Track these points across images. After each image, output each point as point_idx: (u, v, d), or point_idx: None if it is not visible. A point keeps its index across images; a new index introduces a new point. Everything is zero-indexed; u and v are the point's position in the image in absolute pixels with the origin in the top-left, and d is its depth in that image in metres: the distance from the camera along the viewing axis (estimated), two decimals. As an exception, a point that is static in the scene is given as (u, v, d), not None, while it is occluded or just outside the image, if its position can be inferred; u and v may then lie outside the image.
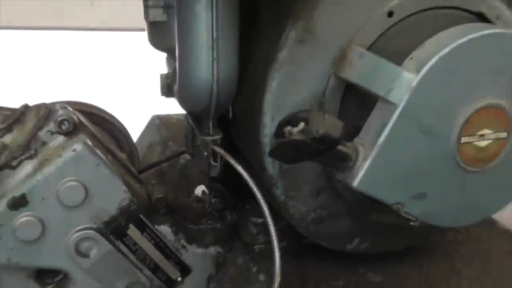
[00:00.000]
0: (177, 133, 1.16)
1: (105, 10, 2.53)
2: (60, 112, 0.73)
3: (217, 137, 0.62)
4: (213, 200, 0.89)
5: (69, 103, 0.91)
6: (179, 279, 0.80)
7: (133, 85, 2.61)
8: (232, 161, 0.62)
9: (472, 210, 0.67)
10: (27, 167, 0.71)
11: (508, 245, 0.85)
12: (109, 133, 0.92)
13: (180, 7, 0.56)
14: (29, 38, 3.08)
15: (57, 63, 2.88)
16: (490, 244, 0.84)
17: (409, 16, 0.66)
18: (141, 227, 0.76)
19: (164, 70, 0.74)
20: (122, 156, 0.86)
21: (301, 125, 0.55)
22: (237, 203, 0.85)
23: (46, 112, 0.74)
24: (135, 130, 1.17)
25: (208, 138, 0.62)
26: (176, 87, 0.62)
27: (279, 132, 0.59)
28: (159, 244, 0.78)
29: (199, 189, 0.94)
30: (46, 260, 0.74)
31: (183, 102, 0.64)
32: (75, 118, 0.74)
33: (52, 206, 0.71)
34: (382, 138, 0.59)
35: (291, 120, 0.57)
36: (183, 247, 0.80)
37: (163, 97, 0.77)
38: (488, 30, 0.59)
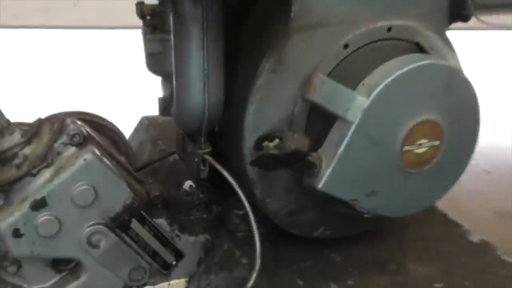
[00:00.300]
0: (164, 132, 1.19)
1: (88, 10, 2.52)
2: (71, 126, 0.78)
3: (208, 150, 0.71)
4: (200, 195, 0.94)
5: (73, 113, 0.97)
6: (174, 263, 0.86)
7: (117, 79, 2.60)
8: (220, 168, 0.71)
9: (413, 203, 0.76)
10: (45, 174, 0.76)
11: (444, 227, 0.94)
12: (108, 138, 0.94)
13: (176, 47, 0.64)
14: (15, 36, 3.03)
15: (45, 60, 2.85)
16: (431, 227, 0.92)
17: (361, 47, 0.73)
18: (142, 221, 0.82)
19: (158, 88, 0.81)
20: (122, 159, 0.91)
21: (276, 141, 0.65)
22: (222, 198, 0.91)
23: (59, 126, 0.80)
24: (124, 125, 1.21)
25: (200, 151, 0.70)
26: (173, 110, 0.70)
27: (258, 146, 0.68)
28: (157, 234, 0.84)
29: (188, 184, 1.00)
30: (62, 251, 0.79)
31: (179, 122, 0.71)
32: (84, 131, 0.80)
33: (67, 206, 0.76)
34: (340, 149, 0.67)
35: (268, 136, 0.67)
36: (177, 236, 0.86)
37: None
38: (423, 62, 0.68)
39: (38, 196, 0.75)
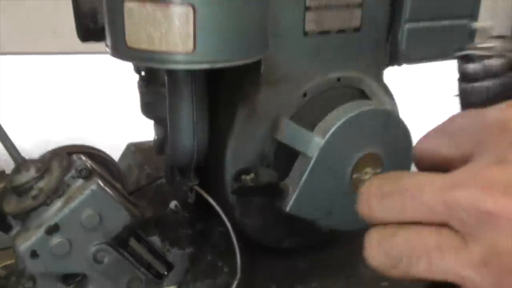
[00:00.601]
0: (149, 157, 1.26)
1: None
2: (78, 162, 0.88)
3: (196, 182, 0.81)
4: (186, 214, 1.04)
5: (75, 146, 1.06)
6: (165, 273, 0.94)
7: (95, 102, 2.65)
8: (206, 196, 0.82)
9: (363, 219, 0.89)
10: (58, 203, 0.83)
11: None
12: (105, 168, 1.02)
13: (170, 102, 0.74)
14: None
15: (25, 86, 2.87)
16: None
17: (316, 95, 0.84)
18: (138, 239, 0.90)
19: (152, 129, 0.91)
20: (118, 186, 1.01)
21: (252, 175, 0.76)
22: (205, 216, 1.01)
23: (67, 162, 0.89)
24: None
25: (190, 184, 0.81)
26: (166, 150, 0.81)
27: (237, 178, 0.79)
28: (151, 249, 0.91)
29: (173, 204, 1.09)
30: (72, 268, 0.86)
31: (172, 160, 0.82)
32: (89, 165, 0.90)
33: (76, 230, 0.83)
34: (303, 179, 0.77)
35: (245, 171, 0.78)
36: (168, 250, 0.93)
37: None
38: (365, 108, 0.79)
39: (52, 222, 0.82)
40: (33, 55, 2.78)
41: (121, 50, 0.63)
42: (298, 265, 0.95)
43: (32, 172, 0.87)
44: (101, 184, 0.88)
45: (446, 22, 0.91)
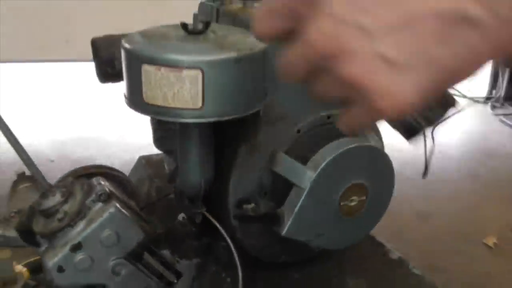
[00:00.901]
0: (159, 170, 1.33)
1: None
2: (98, 188, 0.94)
3: (204, 209, 0.89)
4: (193, 229, 1.10)
5: (91, 167, 1.12)
6: (175, 281, 0.99)
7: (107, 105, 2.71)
8: (212, 219, 0.89)
9: (349, 239, 0.96)
10: (81, 225, 0.89)
11: (372, 247, 1.11)
12: (120, 186, 1.08)
13: (181, 142, 0.81)
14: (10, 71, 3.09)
15: (39, 93, 2.93)
16: (362, 248, 1.09)
17: (309, 131, 0.91)
18: (151, 252, 0.96)
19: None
20: (132, 203, 1.08)
21: (252, 204, 0.84)
22: (209, 230, 1.07)
23: (88, 186, 0.96)
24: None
25: (198, 211, 0.89)
26: (178, 180, 0.88)
27: (238, 205, 0.87)
28: (162, 261, 0.98)
29: (181, 216, 1.15)
30: (94, 279, 0.92)
31: (182, 190, 0.89)
32: (107, 190, 0.96)
33: (97, 247, 0.89)
34: (297, 208, 0.85)
35: (246, 200, 0.85)
36: (177, 261, 1.01)
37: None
38: (352, 145, 0.86)
39: (76, 241, 0.88)
40: (47, 63, 2.83)
41: (138, 104, 0.70)
42: (293, 276, 1.03)
43: (57, 197, 0.94)
44: (118, 207, 0.94)
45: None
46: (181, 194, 0.90)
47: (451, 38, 0.35)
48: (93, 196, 0.95)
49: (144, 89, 0.68)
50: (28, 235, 1.02)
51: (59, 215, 0.92)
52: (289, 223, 0.86)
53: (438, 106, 0.87)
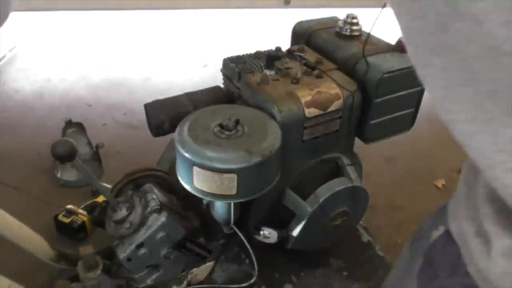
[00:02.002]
0: None
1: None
2: (153, 203, 1.10)
3: (232, 231, 1.06)
4: None
5: (142, 170, 1.26)
6: (207, 256, 1.20)
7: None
8: (240, 234, 1.05)
9: (333, 240, 1.15)
10: (142, 230, 1.07)
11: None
12: (163, 182, 1.21)
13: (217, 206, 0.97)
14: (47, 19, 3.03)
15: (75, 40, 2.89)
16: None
17: (307, 171, 1.03)
18: (191, 241, 1.15)
19: None
20: (174, 201, 1.23)
21: (266, 231, 1.02)
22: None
23: (145, 200, 1.12)
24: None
25: (228, 231, 1.06)
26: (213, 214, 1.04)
27: (256, 228, 1.05)
28: (199, 245, 1.18)
29: None
30: (152, 262, 1.12)
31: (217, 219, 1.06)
32: (159, 203, 1.12)
33: (154, 244, 1.08)
34: (298, 230, 1.03)
35: (262, 227, 1.04)
36: (208, 243, 1.22)
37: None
38: (340, 187, 0.99)
39: (139, 242, 1.07)
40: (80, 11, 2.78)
41: (190, 186, 0.85)
42: (289, 256, 1.21)
43: (123, 212, 1.11)
44: (168, 216, 1.11)
45: (397, 113, 1.08)
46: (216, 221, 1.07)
47: None
48: (149, 209, 1.11)
49: (194, 179, 0.83)
50: (100, 225, 1.21)
51: (126, 225, 1.11)
52: (292, 241, 1.04)
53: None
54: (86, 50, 2.96)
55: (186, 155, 0.80)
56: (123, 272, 1.17)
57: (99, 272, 1.11)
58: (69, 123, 2.20)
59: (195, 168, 0.80)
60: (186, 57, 2.92)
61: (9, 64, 2.76)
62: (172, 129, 0.98)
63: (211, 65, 2.81)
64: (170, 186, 1.27)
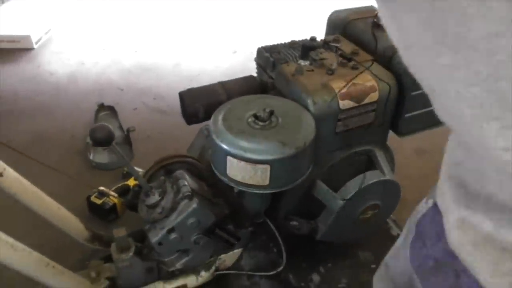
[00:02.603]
0: None
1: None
2: (184, 189, 1.12)
3: (262, 220, 1.07)
4: None
5: (172, 156, 1.27)
6: (236, 242, 1.21)
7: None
8: (270, 224, 1.07)
9: (363, 235, 1.15)
10: (173, 216, 1.08)
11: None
12: (193, 168, 1.22)
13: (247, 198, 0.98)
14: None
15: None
16: None
17: (339, 163, 1.04)
18: (220, 228, 1.16)
19: None
20: (205, 187, 1.23)
21: (296, 223, 1.02)
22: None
23: (177, 187, 1.13)
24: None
25: (259, 220, 1.08)
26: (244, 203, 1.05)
27: (286, 218, 1.06)
28: (227, 231, 1.19)
29: None
30: (182, 247, 1.15)
31: (247, 210, 1.06)
32: (190, 189, 1.14)
33: (184, 229, 1.09)
34: (328, 223, 1.04)
35: (292, 218, 1.04)
36: (237, 231, 1.22)
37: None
38: (372, 180, 0.99)
39: (170, 226, 1.09)
40: None
41: (224, 175, 0.86)
42: (318, 246, 1.22)
43: (156, 197, 1.13)
44: (199, 202, 1.12)
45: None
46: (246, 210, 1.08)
47: None
48: (181, 195, 1.13)
49: (228, 169, 0.84)
50: (132, 208, 1.23)
51: (158, 210, 1.13)
52: (321, 232, 1.05)
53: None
54: (119, 34, 3.00)
55: (221, 145, 0.81)
56: (153, 255, 1.20)
57: (131, 254, 1.14)
58: (101, 107, 2.25)
59: (229, 158, 0.81)
60: (216, 43, 2.92)
61: (44, 46, 2.83)
62: (206, 117, 0.99)
63: (240, 51, 2.80)
64: (201, 172, 1.28)
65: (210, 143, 0.91)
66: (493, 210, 0.30)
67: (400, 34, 0.27)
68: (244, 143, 0.80)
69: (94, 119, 2.20)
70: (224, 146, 0.81)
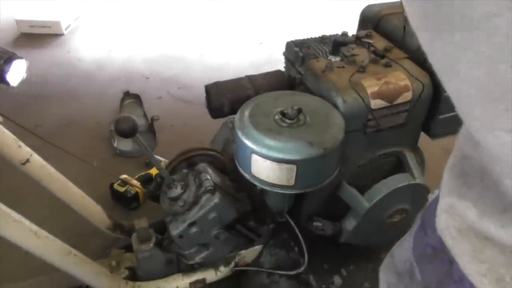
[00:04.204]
0: None
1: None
2: (207, 183, 1.09)
3: (285, 219, 1.04)
4: None
5: (194, 149, 1.24)
6: (256, 239, 1.19)
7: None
8: (293, 224, 1.03)
9: (389, 239, 1.11)
10: (195, 209, 1.07)
11: None
12: (216, 161, 1.20)
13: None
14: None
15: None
16: None
17: (366, 165, 0.99)
18: (241, 223, 1.14)
19: None
20: (228, 184, 1.20)
21: (319, 224, 0.99)
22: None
23: (199, 180, 1.11)
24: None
25: (281, 219, 1.05)
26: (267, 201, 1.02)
27: (309, 219, 1.02)
28: (248, 227, 1.17)
29: None
30: (202, 241, 1.13)
31: (270, 209, 1.03)
32: (212, 183, 1.11)
33: (206, 224, 1.07)
34: (353, 225, 0.99)
35: (316, 218, 1.01)
36: (258, 227, 1.20)
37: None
38: (401, 184, 0.94)
39: (192, 220, 1.07)
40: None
41: (248, 172, 0.83)
42: (343, 250, 1.18)
43: (178, 189, 1.12)
44: (221, 198, 1.10)
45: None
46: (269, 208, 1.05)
47: None
48: (203, 189, 1.11)
49: (252, 167, 0.81)
50: (154, 199, 1.22)
51: (180, 203, 1.11)
52: (346, 235, 1.01)
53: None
54: (145, 23, 2.99)
55: (246, 142, 0.78)
56: (173, 248, 1.19)
57: (151, 245, 1.13)
58: (127, 94, 2.25)
59: (254, 156, 0.78)
60: (242, 34, 2.89)
61: (73, 33, 2.84)
62: (231, 112, 0.96)
63: (266, 43, 2.76)
64: (223, 166, 1.26)
65: (234, 138, 0.88)
66: (482, 200, 0.32)
67: (415, 17, 0.27)
68: (270, 141, 0.77)
69: (119, 107, 2.20)
70: (249, 144, 0.78)
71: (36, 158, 1.01)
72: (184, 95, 2.32)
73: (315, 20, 2.97)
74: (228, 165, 1.26)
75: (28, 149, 1.00)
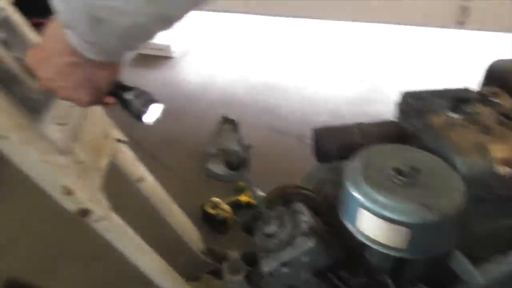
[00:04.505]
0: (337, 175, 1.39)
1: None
2: (303, 225, 1.06)
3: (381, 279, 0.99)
4: None
5: (290, 187, 1.24)
6: None
7: None
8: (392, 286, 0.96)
9: None
10: (288, 250, 1.05)
11: None
12: (309, 201, 1.17)
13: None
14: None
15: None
16: None
17: (484, 234, 0.92)
18: (333, 272, 1.09)
19: None
20: (322, 227, 1.16)
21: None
22: None
23: (295, 220, 1.09)
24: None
25: (379, 278, 1.00)
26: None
27: (412, 285, 0.95)
28: (340, 278, 1.10)
29: None
30: (291, 282, 1.10)
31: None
32: (308, 226, 1.09)
33: (297, 266, 1.05)
34: None
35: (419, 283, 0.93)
36: (350, 278, 1.14)
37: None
38: None
39: (283, 260, 1.06)
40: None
41: (352, 226, 0.81)
42: None
43: (274, 227, 1.12)
44: (316, 242, 1.06)
45: None
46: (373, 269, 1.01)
47: (73, 74, 0.66)
48: (299, 230, 1.10)
49: (358, 221, 0.78)
50: (247, 231, 1.24)
51: (275, 241, 1.11)
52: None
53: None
54: (248, 51, 3.10)
55: (355, 194, 0.76)
56: (261, 284, 1.19)
57: (241, 278, 1.14)
58: (225, 119, 2.34)
59: (362, 210, 0.76)
60: (342, 70, 2.88)
61: (182, 57, 3.04)
62: (337, 158, 0.95)
63: (367, 81, 2.72)
64: (318, 207, 1.24)
65: (334, 180, 0.85)
66: None
67: None
68: (382, 198, 0.74)
69: (217, 130, 2.30)
70: (359, 197, 0.76)
71: (149, 178, 1.09)
72: (280, 125, 2.36)
73: (425, 67, 2.86)
74: (323, 207, 1.24)
75: (143, 168, 1.09)
